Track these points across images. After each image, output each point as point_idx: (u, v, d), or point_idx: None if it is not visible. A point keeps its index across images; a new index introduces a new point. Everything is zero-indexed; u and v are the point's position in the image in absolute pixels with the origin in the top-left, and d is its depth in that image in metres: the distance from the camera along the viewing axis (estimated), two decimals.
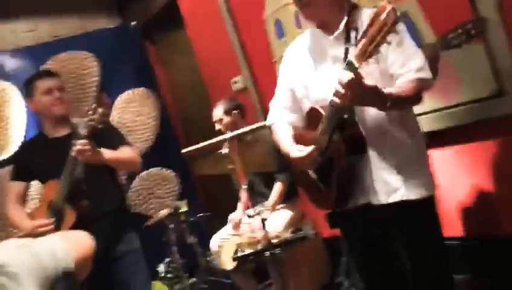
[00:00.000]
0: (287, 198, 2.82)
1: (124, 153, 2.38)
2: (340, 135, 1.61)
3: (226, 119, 2.96)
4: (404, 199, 1.65)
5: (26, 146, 2.65)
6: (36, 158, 2.43)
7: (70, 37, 3.87)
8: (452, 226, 2.30)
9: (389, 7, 1.31)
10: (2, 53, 3.63)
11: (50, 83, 2.38)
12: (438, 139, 2.18)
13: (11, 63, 3.52)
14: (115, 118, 3.61)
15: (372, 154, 1.67)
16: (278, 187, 2.78)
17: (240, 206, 2.95)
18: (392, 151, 1.66)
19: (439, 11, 2.14)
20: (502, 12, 1.94)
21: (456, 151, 2.28)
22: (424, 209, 1.69)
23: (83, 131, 2.06)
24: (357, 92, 1.43)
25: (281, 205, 2.82)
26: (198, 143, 2.29)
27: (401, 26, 1.54)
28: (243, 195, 2.86)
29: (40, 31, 4.28)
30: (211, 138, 2.27)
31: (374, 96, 1.48)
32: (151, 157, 3.67)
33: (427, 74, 1.59)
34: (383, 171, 1.66)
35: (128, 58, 3.71)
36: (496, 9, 1.94)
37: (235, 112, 2.99)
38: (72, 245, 0.91)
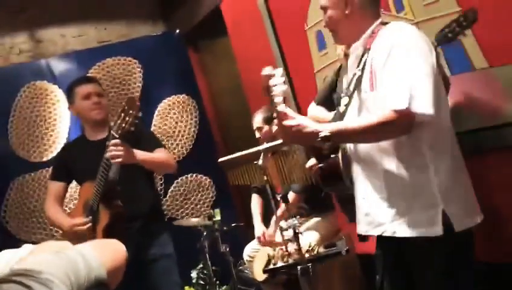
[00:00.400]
0: (321, 211, 2.79)
1: (159, 155, 2.41)
2: (318, 163, 1.68)
3: (266, 128, 2.96)
4: (386, 235, 1.56)
5: (67, 148, 2.75)
6: (75, 159, 2.51)
7: (116, 43, 3.99)
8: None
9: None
10: (52, 57, 3.78)
11: (88, 88, 2.46)
12: (478, 159, 2.10)
13: (60, 67, 3.65)
14: (156, 123, 3.68)
15: (358, 184, 1.62)
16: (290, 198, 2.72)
17: (273, 220, 2.95)
18: (381, 184, 1.54)
19: (492, 37, 2.08)
20: None
21: (500, 174, 2.19)
22: (428, 247, 1.53)
23: (116, 133, 2.10)
24: (282, 131, 1.49)
25: (316, 219, 2.79)
26: (236, 151, 2.31)
27: (396, 50, 1.48)
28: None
29: (87, 36, 4.44)
30: (249, 146, 2.28)
31: (300, 134, 1.46)
32: (189, 163, 3.72)
33: (402, 104, 1.40)
34: (364, 203, 1.60)
35: (172, 65, 3.78)
36: None
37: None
38: (105, 254, 0.92)
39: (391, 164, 1.52)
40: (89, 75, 3.13)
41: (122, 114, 2.05)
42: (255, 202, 3.10)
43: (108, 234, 2.28)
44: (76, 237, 2.26)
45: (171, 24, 4.62)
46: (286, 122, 1.45)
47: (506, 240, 2.09)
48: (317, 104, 2.33)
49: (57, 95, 3.55)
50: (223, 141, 4.69)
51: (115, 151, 2.11)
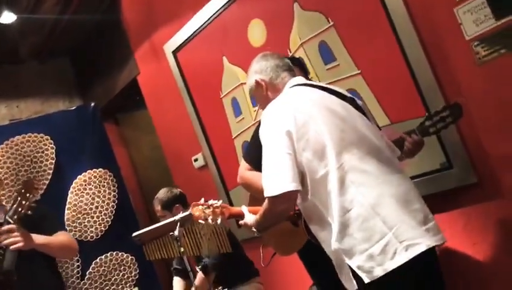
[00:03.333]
0: (244, 278, 2.70)
1: (60, 238, 2.28)
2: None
3: (168, 214, 2.74)
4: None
5: None
6: None
7: (27, 120, 3.81)
8: None
9: None
10: None
11: None
12: None
13: None
14: (71, 200, 3.47)
15: None
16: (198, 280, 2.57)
17: None
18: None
19: (389, 95, 2.21)
20: (441, 85, 2.03)
21: None
22: None
23: (11, 218, 1.98)
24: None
25: (240, 288, 2.68)
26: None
27: (267, 138, 1.63)
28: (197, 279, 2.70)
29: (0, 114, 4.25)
30: None
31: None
32: (109, 241, 3.50)
33: (270, 192, 1.55)
34: None
35: (87, 139, 3.63)
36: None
37: (177, 205, 2.78)
38: None
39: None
40: None
41: (19, 198, 1.98)
42: (178, 286, 2.93)
43: None
44: None
45: (88, 99, 4.54)
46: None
47: None
48: (250, 161, 2.16)
49: None
50: (147, 214, 4.53)
51: (11, 237, 1.97)
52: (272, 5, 2.68)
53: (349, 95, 1.77)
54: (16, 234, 1.98)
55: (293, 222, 1.99)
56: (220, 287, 2.10)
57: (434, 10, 2.01)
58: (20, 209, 1.97)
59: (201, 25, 3.13)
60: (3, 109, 4.29)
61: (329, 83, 2.40)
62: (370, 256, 1.47)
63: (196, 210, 1.96)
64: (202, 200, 1.99)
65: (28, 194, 1.96)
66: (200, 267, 2.38)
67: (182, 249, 2.04)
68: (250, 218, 1.84)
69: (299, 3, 2.52)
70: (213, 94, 3.22)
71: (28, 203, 1.97)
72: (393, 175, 1.58)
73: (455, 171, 2.04)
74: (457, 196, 2.07)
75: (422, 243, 1.47)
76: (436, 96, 2.05)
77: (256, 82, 1.82)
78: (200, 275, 2.51)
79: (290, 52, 2.61)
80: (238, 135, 3.13)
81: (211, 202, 1.99)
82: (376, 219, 1.48)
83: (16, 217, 1.99)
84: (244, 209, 1.92)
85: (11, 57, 4.28)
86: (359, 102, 1.78)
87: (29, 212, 1.98)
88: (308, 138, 1.57)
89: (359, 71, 2.32)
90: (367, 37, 2.25)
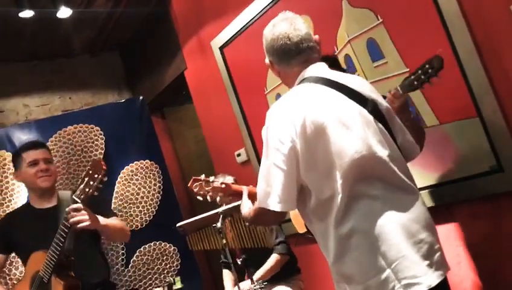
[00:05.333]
0: (286, 275, 2.71)
1: (116, 222, 2.35)
2: None
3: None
4: None
5: (8, 216, 2.59)
6: (18, 229, 2.39)
7: (78, 111, 3.97)
8: None
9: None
10: (12, 126, 3.73)
11: (36, 154, 2.39)
12: (436, 215, 2.11)
13: (20, 135, 3.58)
14: (118, 189, 3.60)
15: None
16: (273, 258, 2.64)
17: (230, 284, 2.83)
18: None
19: (439, 95, 2.16)
20: (494, 85, 1.97)
21: (454, 228, 2.20)
22: None
23: (78, 198, 2.01)
24: None
25: (281, 286, 2.69)
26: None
27: (267, 143, 1.54)
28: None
29: (51, 105, 4.43)
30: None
31: None
32: (153, 231, 3.60)
33: (259, 202, 1.51)
34: None
35: (135, 131, 3.75)
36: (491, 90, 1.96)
37: None
38: None
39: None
40: (36, 140, 2.93)
41: (86, 178, 1.97)
42: (227, 278, 2.96)
43: None
44: None
45: (136, 93, 4.68)
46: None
47: None
48: None
49: None
50: (190, 206, 4.61)
51: (79, 216, 2.02)
52: (320, 1, 2.67)
53: (372, 96, 1.56)
54: (83, 212, 2.02)
55: None
56: (260, 281, 2.12)
57: (488, 8, 1.95)
58: (87, 189, 1.96)
59: (249, 22, 3.15)
60: (56, 100, 4.48)
61: (376, 81, 2.38)
62: (367, 288, 1.42)
63: (196, 186, 1.96)
64: (203, 176, 2.00)
65: (96, 175, 1.94)
66: (241, 259, 2.41)
67: (224, 241, 2.07)
68: (245, 205, 1.75)
69: (348, 0, 2.50)
70: (258, 90, 3.24)
71: (95, 184, 1.95)
72: (403, 200, 1.46)
73: (506, 174, 1.98)
74: (508, 200, 2.00)
75: (424, 282, 1.37)
76: (489, 97, 1.99)
77: (270, 64, 1.69)
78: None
79: (337, 48, 2.59)
80: None
81: (211, 178, 1.99)
82: (375, 253, 1.40)
83: (82, 197, 1.99)
84: (245, 190, 1.85)
85: (65, 51, 4.47)
86: (383, 104, 1.59)
87: (96, 193, 1.97)
88: (315, 158, 1.45)
89: (408, 70, 2.28)
90: (417, 35, 2.20)
